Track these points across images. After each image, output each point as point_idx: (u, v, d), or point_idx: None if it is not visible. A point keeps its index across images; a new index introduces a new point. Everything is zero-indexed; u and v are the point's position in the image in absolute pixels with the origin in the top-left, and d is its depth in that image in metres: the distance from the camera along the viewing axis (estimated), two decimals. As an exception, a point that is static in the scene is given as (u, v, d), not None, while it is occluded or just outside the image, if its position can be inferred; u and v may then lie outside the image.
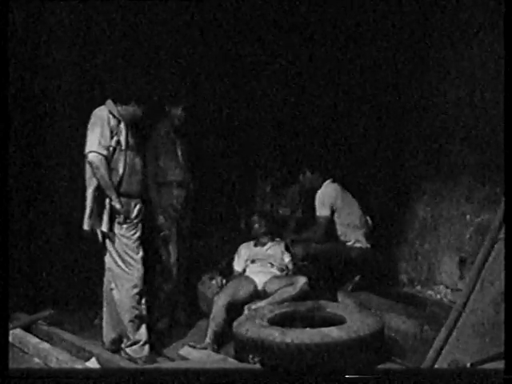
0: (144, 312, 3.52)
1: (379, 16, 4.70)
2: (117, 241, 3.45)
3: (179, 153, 4.18)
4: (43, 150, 4.43)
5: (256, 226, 4.45)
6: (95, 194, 3.39)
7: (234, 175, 5.27)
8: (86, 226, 3.41)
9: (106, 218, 3.39)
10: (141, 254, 3.53)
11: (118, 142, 3.44)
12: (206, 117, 5.01)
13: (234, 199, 5.26)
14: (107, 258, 3.51)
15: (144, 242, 3.62)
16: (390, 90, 4.71)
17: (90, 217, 3.39)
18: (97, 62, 4.52)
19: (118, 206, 3.40)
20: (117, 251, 3.46)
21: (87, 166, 3.41)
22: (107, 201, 3.38)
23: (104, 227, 3.39)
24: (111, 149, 3.41)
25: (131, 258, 3.48)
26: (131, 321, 3.46)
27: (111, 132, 3.41)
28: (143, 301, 3.52)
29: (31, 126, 4.35)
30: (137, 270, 3.48)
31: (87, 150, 3.36)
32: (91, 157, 3.35)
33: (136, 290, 3.47)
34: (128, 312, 3.46)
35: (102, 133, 3.37)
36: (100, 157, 3.34)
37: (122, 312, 3.47)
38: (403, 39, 4.55)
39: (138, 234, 3.54)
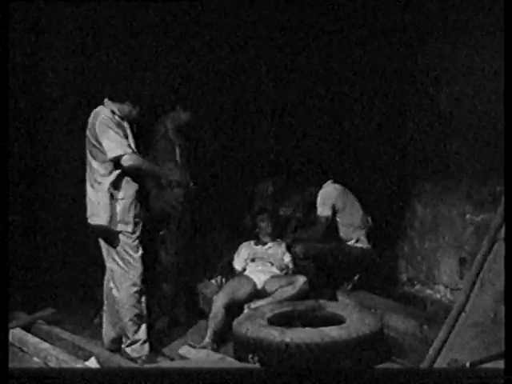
0: (144, 311, 3.51)
1: (378, 15, 4.69)
2: (117, 239, 3.45)
3: (178, 153, 4.17)
4: (43, 149, 4.43)
5: (263, 224, 4.45)
6: (111, 191, 3.36)
7: (234, 175, 5.26)
8: (103, 222, 3.37)
9: (107, 216, 3.38)
10: (140, 252, 3.51)
11: (126, 137, 3.45)
12: (207, 116, 5.01)
13: (235, 199, 5.25)
14: (107, 257, 3.51)
15: (143, 241, 3.61)
16: (390, 90, 4.70)
17: (111, 218, 3.36)
18: (96, 63, 4.52)
19: (177, 178, 3.57)
20: (116, 250, 3.46)
21: (96, 165, 3.37)
22: (109, 199, 3.37)
23: (105, 223, 3.38)
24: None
25: (131, 256, 3.47)
26: (131, 320, 3.45)
27: (121, 129, 3.41)
28: (143, 300, 3.51)
29: (30, 125, 4.35)
30: (136, 269, 3.47)
31: (113, 154, 3.31)
32: (125, 161, 3.33)
33: (135, 289, 3.46)
34: (128, 311, 3.45)
35: (117, 133, 3.35)
36: (132, 155, 3.35)
37: (122, 311, 3.46)
38: (403, 39, 4.54)
39: (137, 233, 3.52)
